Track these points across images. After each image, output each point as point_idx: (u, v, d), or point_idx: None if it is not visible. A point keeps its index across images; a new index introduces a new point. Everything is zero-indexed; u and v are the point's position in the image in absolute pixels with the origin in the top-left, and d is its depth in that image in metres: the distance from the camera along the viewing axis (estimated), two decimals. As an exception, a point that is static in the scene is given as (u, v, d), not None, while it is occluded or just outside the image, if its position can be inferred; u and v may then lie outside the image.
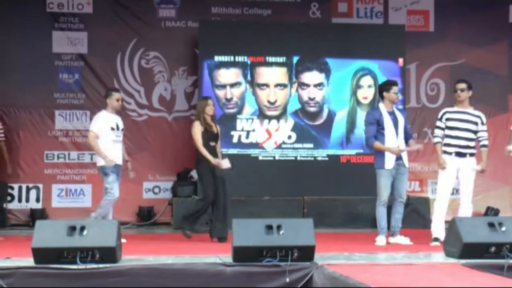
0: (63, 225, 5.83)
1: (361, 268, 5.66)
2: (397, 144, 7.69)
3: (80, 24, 10.68)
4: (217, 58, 10.31)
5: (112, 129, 8.12)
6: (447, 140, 7.68)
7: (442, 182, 7.69)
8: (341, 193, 10.12)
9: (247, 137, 10.30)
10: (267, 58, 10.42)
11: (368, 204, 9.18)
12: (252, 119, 10.34)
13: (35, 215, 10.02)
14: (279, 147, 10.34)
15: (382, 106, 7.82)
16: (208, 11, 10.92)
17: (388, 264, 6.00)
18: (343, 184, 10.20)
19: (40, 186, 10.54)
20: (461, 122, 7.64)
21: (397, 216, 7.74)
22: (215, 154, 8.16)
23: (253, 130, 10.30)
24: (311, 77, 10.48)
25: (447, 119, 7.69)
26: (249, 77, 10.37)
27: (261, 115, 10.38)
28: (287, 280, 5.65)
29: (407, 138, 7.86)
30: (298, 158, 10.37)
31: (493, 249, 5.99)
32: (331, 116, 10.49)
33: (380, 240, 7.63)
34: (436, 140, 7.78)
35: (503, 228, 6.10)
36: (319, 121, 10.49)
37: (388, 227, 7.78)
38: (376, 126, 7.69)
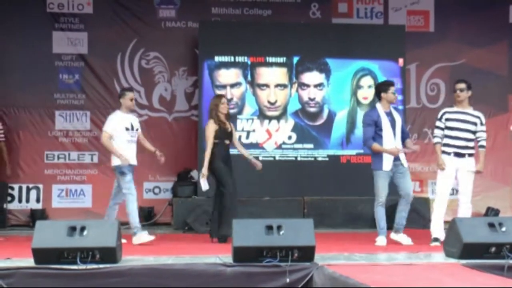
0: (63, 226, 5.83)
1: (361, 269, 5.66)
2: (395, 145, 7.69)
3: (80, 25, 10.68)
4: (217, 59, 10.31)
5: (127, 129, 7.98)
6: (446, 140, 7.68)
7: (441, 182, 7.69)
8: (341, 194, 10.12)
9: (247, 137, 10.31)
10: (267, 58, 10.42)
11: (368, 204, 9.16)
12: (252, 119, 10.35)
13: (35, 216, 10.03)
14: (279, 147, 10.35)
15: (379, 107, 7.79)
16: (208, 11, 10.92)
17: (388, 264, 6.00)
18: (343, 184, 10.20)
19: (40, 186, 10.54)
20: (460, 123, 7.63)
21: (403, 214, 7.71)
22: (228, 152, 8.19)
23: (253, 131, 10.31)
24: (311, 77, 10.48)
25: (447, 119, 7.68)
26: (249, 78, 10.38)
27: (261, 115, 10.38)
28: (287, 280, 5.65)
29: (404, 138, 7.85)
30: (298, 158, 10.37)
31: (493, 249, 5.99)
32: (331, 117, 10.49)
33: (380, 240, 7.62)
34: (435, 140, 7.78)
35: (503, 229, 6.10)
36: (319, 122, 10.49)
37: (389, 228, 7.78)
38: (374, 128, 7.67)
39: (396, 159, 7.67)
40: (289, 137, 10.40)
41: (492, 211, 10.78)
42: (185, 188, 10.22)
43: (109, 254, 5.70)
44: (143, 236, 7.72)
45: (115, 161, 7.91)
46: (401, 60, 10.56)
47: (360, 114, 10.24)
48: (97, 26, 10.66)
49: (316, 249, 5.86)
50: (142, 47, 10.80)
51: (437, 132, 7.77)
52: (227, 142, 8.19)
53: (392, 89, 7.80)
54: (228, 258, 5.92)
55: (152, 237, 7.74)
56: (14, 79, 10.52)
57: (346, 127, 10.49)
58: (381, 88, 7.86)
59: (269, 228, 5.87)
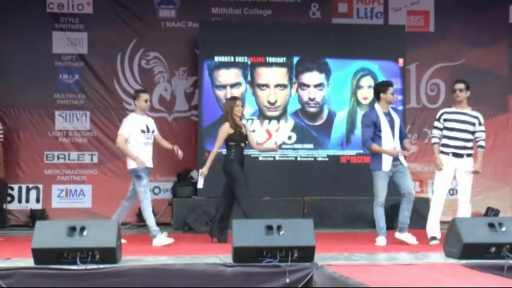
0: (63, 226, 5.83)
1: (361, 269, 5.66)
2: (394, 145, 7.68)
3: (80, 25, 10.68)
4: (217, 59, 10.31)
5: (143, 131, 7.87)
6: (444, 141, 7.68)
7: (438, 183, 7.69)
8: (341, 194, 10.12)
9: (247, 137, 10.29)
10: (267, 58, 10.42)
11: (368, 205, 9.14)
12: (252, 119, 10.35)
13: (35, 216, 10.02)
14: (279, 147, 10.34)
15: (378, 107, 7.78)
16: (208, 11, 10.92)
17: (388, 265, 6.00)
18: (343, 184, 10.20)
19: (40, 186, 10.54)
20: (459, 123, 7.63)
21: (406, 213, 7.71)
22: (243, 155, 8.16)
23: (253, 131, 10.29)
24: (311, 77, 10.48)
25: (445, 120, 7.68)
26: (249, 78, 10.37)
27: (261, 115, 10.38)
28: (287, 280, 5.65)
29: (401, 138, 7.85)
30: (298, 158, 10.37)
31: (493, 249, 5.99)
32: (331, 117, 10.49)
33: (380, 240, 7.62)
34: (434, 140, 7.77)
35: (503, 229, 6.10)
36: (319, 122, 10.49)
37: (389, 228, 7.78)
38: (373, 128, 7.66)
39: (395, 159, 7.67)
40: (289, 137, 10.40)
41: (492, 211, 10.78)
42: (185, 188, 10.22)
43: (109, 254, 5.70)
44: (162, 239, 7.69)
45: (131, 164, 7.80)
46: (401, 60, 10.56)
47: (360, 114, 10.21)
48: (97, 26, 10.66)
49: (316, 249, 5.86)
50: (142, 47, 10.80)
51: (435, 132, 7.76)
52: (242, 145, 8.17)
53: (391, 89, 7.79)
54: (228, 258, 5.92)
55: (171, 240, 7.71)
56: (14, 79, 10.52)
57: (346, 127, 10.49)
58: (380, 89, 7.85)
59: (269, 228, 5.88)
